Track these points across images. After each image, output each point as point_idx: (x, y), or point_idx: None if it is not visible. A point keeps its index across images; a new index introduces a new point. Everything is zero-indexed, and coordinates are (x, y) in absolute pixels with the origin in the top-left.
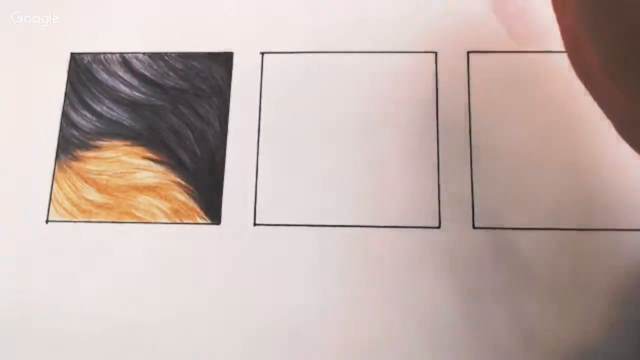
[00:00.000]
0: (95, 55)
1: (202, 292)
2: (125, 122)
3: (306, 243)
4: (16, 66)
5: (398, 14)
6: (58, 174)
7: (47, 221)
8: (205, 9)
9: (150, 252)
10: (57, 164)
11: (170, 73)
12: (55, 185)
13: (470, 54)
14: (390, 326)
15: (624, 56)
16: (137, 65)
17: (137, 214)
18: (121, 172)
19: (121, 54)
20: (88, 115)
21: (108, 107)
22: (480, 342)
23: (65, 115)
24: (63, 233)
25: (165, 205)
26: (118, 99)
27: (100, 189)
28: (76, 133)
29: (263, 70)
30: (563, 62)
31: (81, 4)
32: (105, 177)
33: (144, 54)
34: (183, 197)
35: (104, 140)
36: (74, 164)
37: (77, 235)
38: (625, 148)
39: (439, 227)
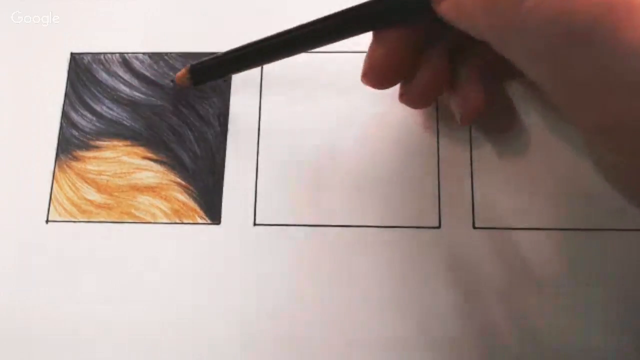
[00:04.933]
0: (95, 55)
1: (202, 292)
2: (125, 122)
3: (306, 243)
4: (16, 66)
5: None
6: (58, 174)
7: (47, 221)
8: (205, 9)
9: (150, 252)
10: (57, 164)
11: (170, 73)
12: (55, 185)
13: None
14: (390, 326)
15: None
16: (137, 65)
17: (137, 214)
18: (121, 172)
19: (121, 54)
20: (88, 115)
21: (108, 107)
22: (481, 341)
23: (65, 115)
24: (63, 233)
25: (165, 205)
26: (118, 99)
27: (100, 189)
28: (76, 133)
29: (263, 71)
30: None
31: (81, 4)
32: (105, 177)
33: (144, 54)
34: (183, 197)
35: (104, 140)
36: (74, 164)
37: (77, 235)
38: None
39: (439, 227)
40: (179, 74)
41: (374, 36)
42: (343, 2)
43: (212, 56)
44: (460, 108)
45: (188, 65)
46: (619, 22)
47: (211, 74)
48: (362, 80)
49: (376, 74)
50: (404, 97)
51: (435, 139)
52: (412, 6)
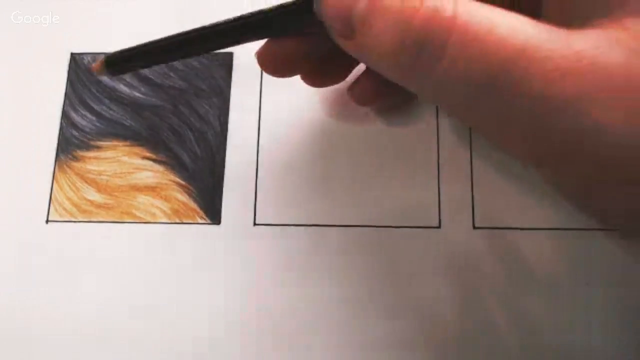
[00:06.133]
0: (95, 55)
1: (202, 292)
2: (125, 122)
3: (306, 243)
4: (16, 66)
5: None
6: (58, 174)
7: (47, 221)
8: (205, 9)
9: (150, 252)
10: (57, 164)
11: (170, 73)
12: (55, 185)
13: None
14: (391, 326)
15: None
16: None
17: (137, 214)
18: (121, 172)
19: None
20: (88, 115)
21: (108, 107)
22: (481, 342)
23: (65, 115)
24: (63, 233)
25: (165, 205)
26: (118, 99)
27: (100, 189)
28: (76, 133)
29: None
30: None
31: (81, 4)
32: (105, 177)
33: None
34: (183, 197)
35: (104, 140)
36: (74, 164)
37: (77, 235)
38: None
39: (439, 227)
40: (94, 64)
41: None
42: None
43: (127, 47)
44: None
45: (103, 57)
46: (521, 73)
47: (126, 65)
48: (255, 56)
49: (266, 64)
50: (304, 78)
51: (435, 139)
52: (295, 24)
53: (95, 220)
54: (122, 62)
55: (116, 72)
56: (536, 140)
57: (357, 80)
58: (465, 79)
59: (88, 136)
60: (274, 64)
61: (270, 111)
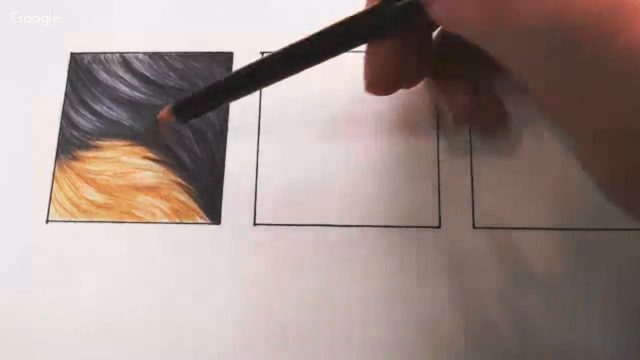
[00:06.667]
0: (95, 55)
1: (202, 291)
2: (125, 122)
3: (306, 243)
4: (16, 66)
5: None
6: (58, 174)
7: (47, 221)
8: (205, 9)
9: (150, 252)
10: (57, 164)
11: (170, 73)
12: (55, 185)
13: None
14: (391, 326)
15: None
16: (137, 65)
17: (137, 214)
18: (121, 172)
19: (121, 54)
20: (88, 115)
21: (108, 107)
22: (481, 342)
23: (65, 115)
24: (63, 233)
25: (165, 205)
26: (118, 99)
27: (100, 189)
28: (76, 133)
29: None
30: None
31: (81, 4)
32: (105, 177)
33: (144, 54)
34: (183, 197)
35: (104, 140)
36: (74, 164)
37: (77, 235)
38: None
39: (439, 227)
40: (162, 114)
41: (369, 46)
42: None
43: (195, 91)
44: (449, 108)
45: (170, 105)
46: (622, 24)
47: (196, 109)
48: (366, 90)
49: (379, 84)
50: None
51: (435, 140)
52: (404, 16)
53: (95, 220)
54: (190, 107)
55: (186, 119)
56: (617, 102)
57: (453, 101)
58: (546, 22)
59: (88, 136)
60: (384, 84)
61: (270, 111)
